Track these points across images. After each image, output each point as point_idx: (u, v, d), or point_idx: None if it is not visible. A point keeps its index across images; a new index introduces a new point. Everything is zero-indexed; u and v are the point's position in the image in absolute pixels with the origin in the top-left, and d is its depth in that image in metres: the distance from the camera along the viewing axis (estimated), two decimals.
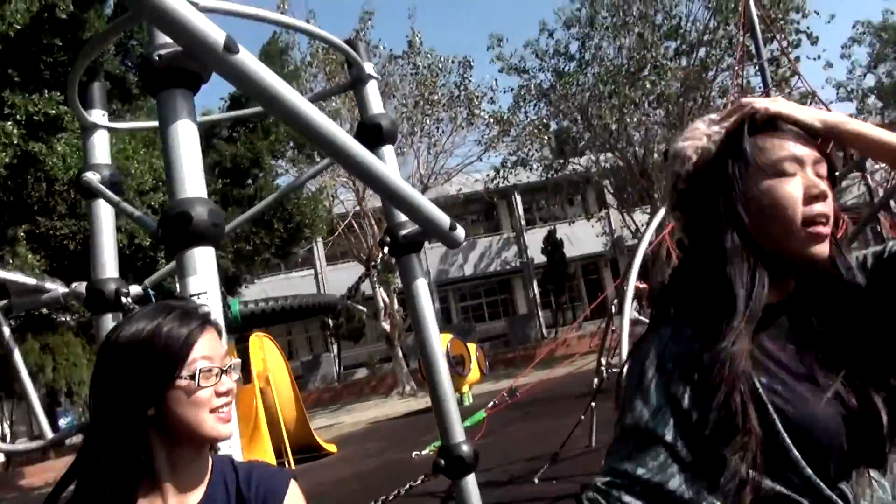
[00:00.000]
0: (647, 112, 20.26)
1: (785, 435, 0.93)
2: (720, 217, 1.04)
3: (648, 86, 18.80)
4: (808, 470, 0.93)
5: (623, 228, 24.59)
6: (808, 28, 19.29)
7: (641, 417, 0.97)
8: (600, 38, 20.29)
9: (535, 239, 29.68)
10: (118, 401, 1.10)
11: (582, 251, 28.98)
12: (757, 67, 15.46)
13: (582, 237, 27.93)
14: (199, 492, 1.17)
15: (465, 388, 14.00)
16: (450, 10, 47.89)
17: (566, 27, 20.53)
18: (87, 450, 1.11)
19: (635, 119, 19.57)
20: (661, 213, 6.28)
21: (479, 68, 58.57)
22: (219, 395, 1.14)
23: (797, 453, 0.93)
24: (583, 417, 6.66)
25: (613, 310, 7.36)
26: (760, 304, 0.99)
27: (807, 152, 1.05)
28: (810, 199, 1.02)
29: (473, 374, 14.16)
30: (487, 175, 22.37)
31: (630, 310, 5.50)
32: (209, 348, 1.15)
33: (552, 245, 27.79)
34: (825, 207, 1.02)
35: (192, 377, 1.11)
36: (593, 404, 6.74)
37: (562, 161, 22.01)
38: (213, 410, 1.13)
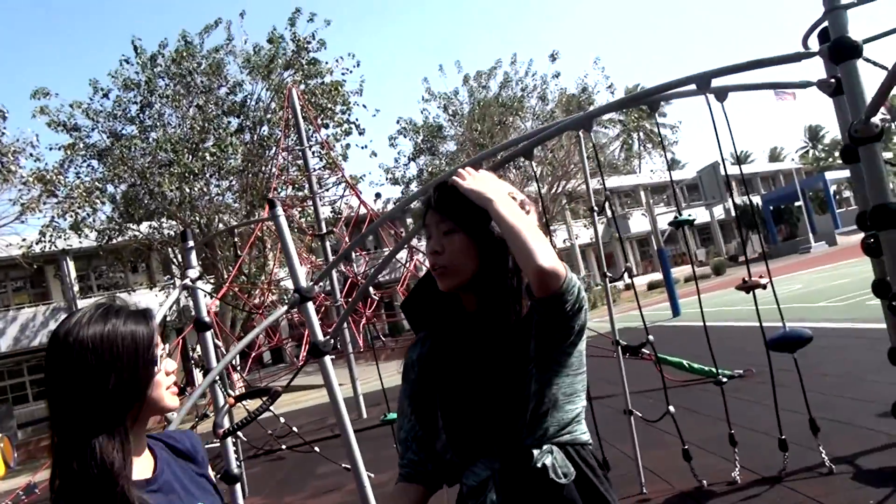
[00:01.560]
0: (210, 182, 20.31)
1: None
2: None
3: (209, 157, 18.90)
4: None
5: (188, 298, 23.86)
6: (356, 119, 21.60)
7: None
8: (161, 105, 19.88)
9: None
10: (102, 396, 1.22)
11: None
12: (311, 149, 16.93)
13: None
14: (148, 454, 1.39)
15: None
16: None
17: (125, 89, 19.66)
18: (75, 446, 1.19)
19: (196, 188, 19.43)
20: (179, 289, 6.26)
21: (19, 121, 53.01)
22: (167, 374, 1.36)
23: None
24: None
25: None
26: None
27: (433, 219, 1.53)
28: (430, 254, 1.53)
29: None
30: (25, 239, 19.95)
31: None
32: (156, 337, 1.34)
33: None
34: (435, 258, 1.52)
35: (159, 362, 1.33)
36: None
37: (118, 227, 20.65)
38: (167, 388, 1.36)
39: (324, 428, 10.26)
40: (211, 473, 1.55)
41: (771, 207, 45.23)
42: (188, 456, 1.49)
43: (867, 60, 3.56)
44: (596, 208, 4.57)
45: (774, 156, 71.44)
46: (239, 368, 11.12)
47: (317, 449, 7.65)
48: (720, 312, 14.38)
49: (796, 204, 41.84)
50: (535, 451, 1.41)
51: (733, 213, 39.89)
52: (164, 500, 1.32)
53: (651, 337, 4.23)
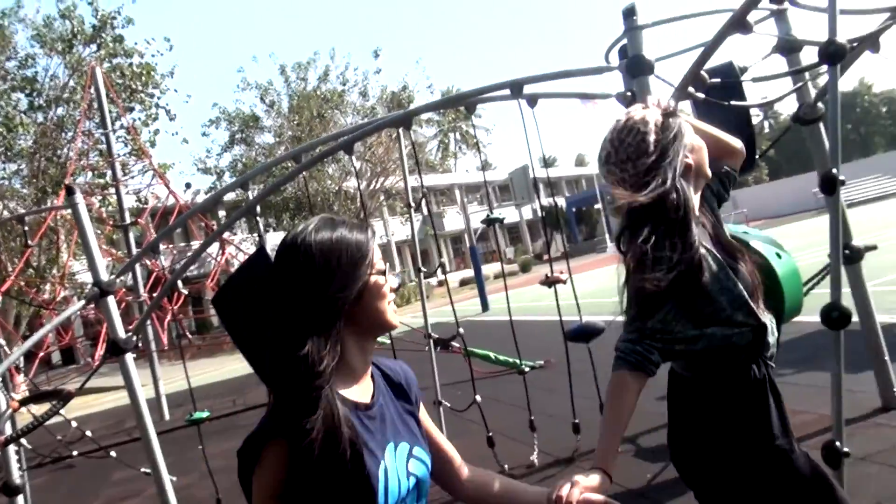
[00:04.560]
0: None
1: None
2: None
3: None
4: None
5: None
6: (167, 104, 20.38)
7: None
8: None
9: None
10: (320, 297, 1.24)
11: None
12: (115, 133, 15.72)
13: None
14: (369, 380, 1.38)
15: None
16: None
17: None
18: (289, 342, 1.21)
19: None
20: None
21: None
22: (391, 290, 1.37)
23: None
24: None
25: None
26: None
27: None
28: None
29: None
30: None
31: None
32: (378, 253, 1.35)
33: None
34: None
35: (381, 274, 1.34)
36: None
37: None
38: (389, 303, 1.36)
39: (121, 432, 9.59)
40: (423, 414, 1.50)
41: (574, 209, 48.58)
42: (402, 390, 1.47)
43: (658, 77, 3.94)
44: (413, 205, 4.67)
45: (579, 161, 76.58)
46: (24, 370, 10.11)
47: (113, 454, 7.14)
48: (526, 307, 15.19)
49: (596, 206, 45.21)
50: None
51: (540, 214, 42.50)
52: (376, 429, 1.31)
53: (461, 330, 4.40)
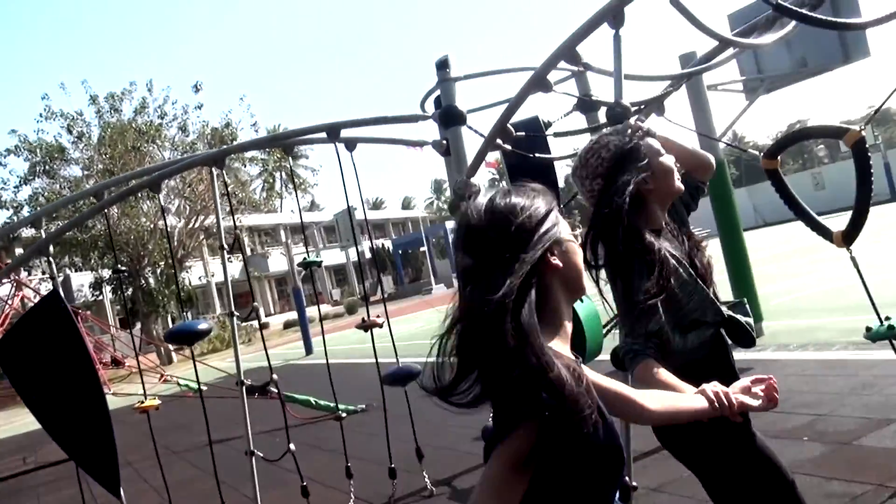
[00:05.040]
0: None
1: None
2: None
3: None
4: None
5: None
6: None
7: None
8: None
9: None
10: (529, 252, 1.20)
11: None
12: None
13: None
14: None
15: None
16: None
17: None
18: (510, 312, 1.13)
19: None
20: None
21: None
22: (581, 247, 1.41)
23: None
24: None
25: None
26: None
27: None
28: None
29: None
30: None
31: None
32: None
33: None
34: None
35: (573, 238, 1.35)
36: None
37: None
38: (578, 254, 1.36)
39: None
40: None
41: (400, 251, 49.18)
42: None
43: (470, 128, 4.11)
44: (226, 247, 4.49)
45: (406, 204, 77.97)
46: None
47: None
48: (351, 350, 15.04)
49: (421, 249, 46.08)
50: None
51: (367, 255, 42.57)
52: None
53: (275, 376, 4.26)
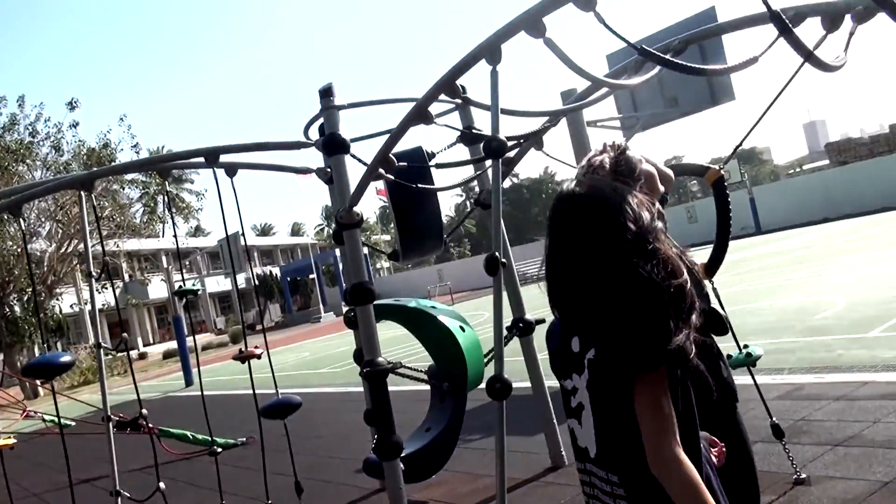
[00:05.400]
0: None
1: None
2: None
3: None
4: None
5: None
6: None
7: None
8: None
9: None
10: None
11: None
12: None
13: None
14: None
15: None
16: None
17: None
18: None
19: None
20: None
21: None
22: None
23: None
24: None
25: None
26: None
27: None
28: None
29: None
30: None
31: None
32: None
33: None
34: None
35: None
36: None
37: None
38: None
39: None
40: None
41: (289, 279, 48.18)
42: None
43: (353, 157, 4.11)
44: (95, 274, 4.26)
45: (295, 230, 76.54)
46: None
47: None
48: (235, 381, 14.52)
49: (311, 276, 45.32)
50: None
51: (253, 283, 41.43)
52: None
53: (145, 410, 4.05)
